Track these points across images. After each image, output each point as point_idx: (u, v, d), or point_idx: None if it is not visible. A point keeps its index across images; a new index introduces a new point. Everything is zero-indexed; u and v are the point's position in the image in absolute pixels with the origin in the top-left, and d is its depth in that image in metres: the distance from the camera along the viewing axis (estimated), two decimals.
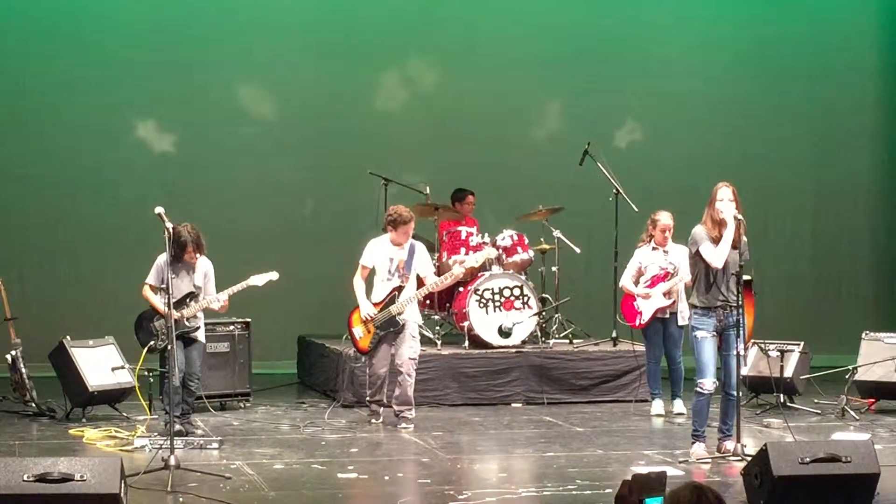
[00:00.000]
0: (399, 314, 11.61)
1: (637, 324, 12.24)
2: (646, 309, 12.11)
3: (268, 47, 15.73)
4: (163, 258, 10.82)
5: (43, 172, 15.22)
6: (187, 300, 10.86)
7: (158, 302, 10.85)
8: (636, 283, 12.20)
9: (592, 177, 13.90)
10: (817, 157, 16.88)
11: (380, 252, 11.76)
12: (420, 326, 13.42)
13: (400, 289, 11.68)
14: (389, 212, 11.82)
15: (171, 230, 9.95)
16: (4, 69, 15.16)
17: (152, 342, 10.89)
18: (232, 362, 12.64)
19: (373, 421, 11.81)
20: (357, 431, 11.38)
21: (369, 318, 11.66)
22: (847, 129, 16.92)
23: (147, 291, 10.99)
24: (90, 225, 15.24)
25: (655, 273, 12.12)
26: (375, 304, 11.71)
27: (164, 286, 10.59)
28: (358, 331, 11.83)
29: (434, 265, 12.88)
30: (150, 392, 12.13)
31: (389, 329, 11.65)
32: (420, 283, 11.93)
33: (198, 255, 10.93)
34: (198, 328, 11.03)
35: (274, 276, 11.16)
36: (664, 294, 12.04)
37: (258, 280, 11.11)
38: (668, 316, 12.08)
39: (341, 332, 13.29)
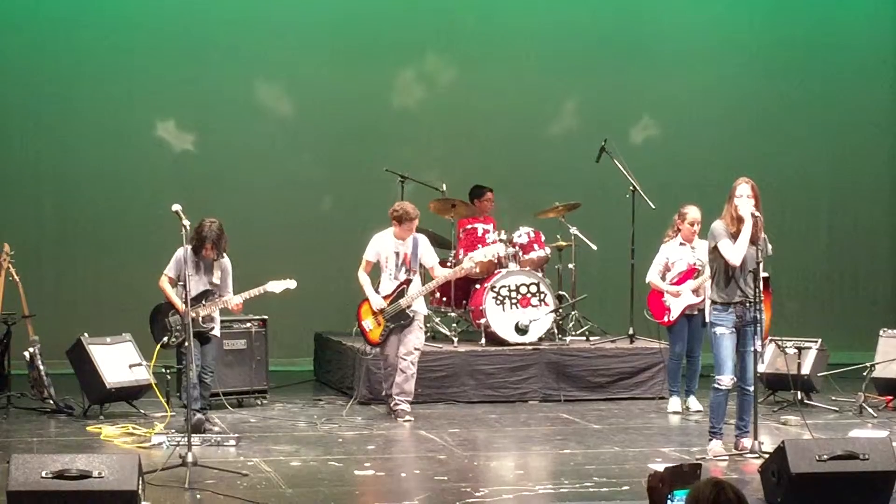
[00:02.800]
0: (409, 307, 11.73)
1: (666, 320, 12.18)
2: (675, 306, 12.06)
3: (286, 46, 15.75)
4: (182, 252, 10.85)
5: (62, 171, 15.28)
6: (203, 300, 10.88)
7: (175, 296, 10.88)
8: (662, 278, 12.14)
9: (609, 173, 13.89)
10: (833, 154, 16.84)
11: (384, 247, 11.88)
12: (436, 323, 13.49)
13: (408, 282, 11.82)
14: (395, 207, 11.93)
15: (187, 227, 9.97)
16: (25, 68, 15.18)
17: (165, 338, 10.90)
18: (249, 359, 12.66)
19: (400, 418, 11.79)
20: (374, 428, 11.38)
21: (380, 311, 11.72)
22: (863, 126, 16.87)
23: (164, 283, 11.00)
24: (109, 223, 15.27)
25: (683, 269, 12.07)
26: (385, 298, 11.84)
27: (181, 282, 10.67)
28: (368, 323, 11.93)
29: (451, 261, 12.94)
30: (168, 389, 12.18)
31: (400, 321, 11.77)
32: (427, 275, 11.99)
33: (215, 253, 10.93)
34: (213, 328, 11.05)
35: (292, 284, 11.17)
36: (693, 291, 11.99)
37: (276, 287, 11.12)
38: (696, 313, 12.04)
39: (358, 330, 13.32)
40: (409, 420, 11.64)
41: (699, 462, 5.94)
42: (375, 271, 12.00)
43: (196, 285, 10.79)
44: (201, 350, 10.90)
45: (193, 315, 10.56)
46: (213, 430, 10.90)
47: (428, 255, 11.99)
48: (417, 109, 16.30)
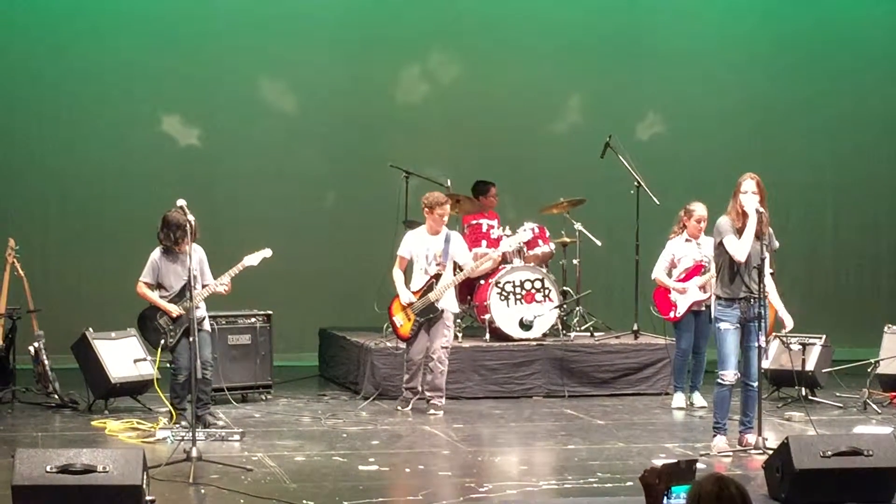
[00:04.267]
0: (437, 300, 11.84)
1: (672, 316, 12.17)
2: (681, 302, 12.04)
3: (290, 41, 15.77)
4: (157, 254, 10.83)
5: (68, 166, 15.30)
6: (185, 293, 10.76)
7: (158, 298, 10.82)
8: (668, 275, 12.13)
9: (614, 169, 13.87)
10: (838, 151, 16.83)
11: (416, 243, 12.05)
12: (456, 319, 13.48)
13: (438, 276, 11.93)
14: (425, 197, 12.15)
15: (192, 223, 9.94)
16: (31, 65, 15.21)
17: (162, 340, 10.79)
18: (253, 354, 12.65)
19: (401, 408, 11.94)
20: (378, 424, 11.39)
21: (409, 305, 11.82)
22: (868, 123, 16.86)
23: (144, 289, 10.85)
24: (114, 217, 15.28)
25: (689, 265, 12.07)
26: (414, 293, 11.97)
27: (160, 282, 10.76)
28: (398, 319, 12.08)
29: None
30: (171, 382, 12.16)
31: (429, 315, 11.91)
32: (459, 271, 12.07)
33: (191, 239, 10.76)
34: (204, 318, 10.99)
35: (267, 253, 10.96)
36: (700, 288, 11.98)
37: (252, 259, 10.89)
38: (703, 309, 12.02)
39: (363, 325, 13.32)
40: (438, 414, 11.73)
41: (695, 458, 5.94)
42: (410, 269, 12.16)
43: (177, 281, 10.75)
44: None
45: (184, 311, 10.57)
46: (218, 425, 10.89)
47: (461, 252, 12.12)
48: (422, 105, 16.31)
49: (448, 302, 11.99)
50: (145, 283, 10.88)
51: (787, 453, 8.18)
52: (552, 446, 10.53)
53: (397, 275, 12.08)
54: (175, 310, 10.71)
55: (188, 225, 10.06)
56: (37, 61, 15.22)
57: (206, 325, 11.05)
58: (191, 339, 9.69)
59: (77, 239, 15.30)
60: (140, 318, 11.04)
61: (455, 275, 12.02)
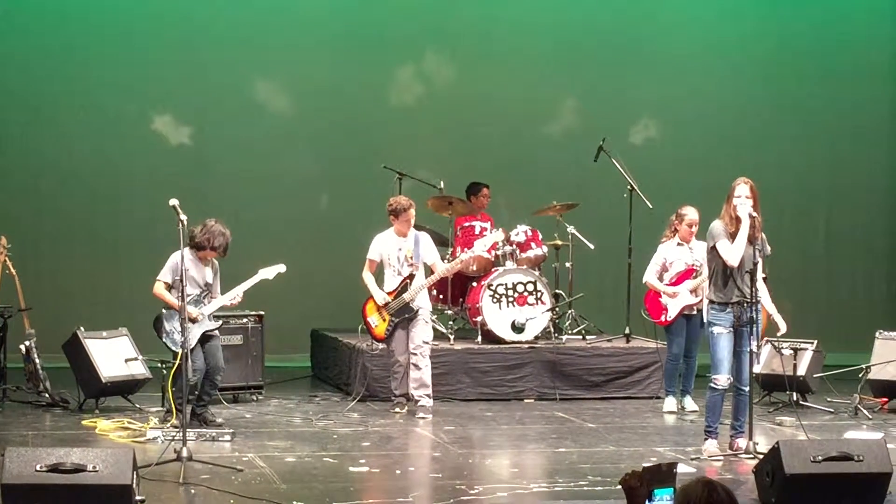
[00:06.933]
0: (412, 300, 11.84)
1: (663, 320, 12.18)
2: (672, 306, 12.05)
3: (284, 41, 15.76)
4: (178, 256, 10.81)
5: (59, 164, 15.28)
6: (203, 298, 10.88)
7: (175, 300, 10.81)
8: (660, 278, 12.13)
9: (607, 173, 13.89)
10: (832, 156, 16.86)
11: (386, 245, 12.02)
12: (433, 320, 13.48)
13: (411, 277, 11.95)
14: (389, 202, 12.14)
15: (184, 222, 9.94)
16: (24, 63, 15.19)
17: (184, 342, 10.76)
18: (245, 355, 12.65)
19: (397, 410, 11.93)
20: (369, 425, 11.38)
21: (384, 306, 11.81)
22: (862, 128, 16.89)
23: (161, 289, 10.84)
24: (106, 216, 15.28)
25: (680, 269, 12.07)
26: (389, 293, 11.95)
27: (181, 283, 10.66)
28: (373, 319, 12.06)
29: (447, 260, 12.93)
30: (163, 384, 12.14)
31: (404, 316, 11.90)
32: (429, 271, 12.10)
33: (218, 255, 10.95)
34: (220, 325, 11.14)
35: (282, 268, 11.18)
36: (691, 292, 11.99)
37: (268, 273, 11.12)
38: (694, 313, 12.03)
39: (355, 326, 13.29)
40: (427, 417, 11.67)
41: (675, 462, 5.94)
42: (380, 273, 12.13)
43: (195, 286, 10.78)
44: (210, 351, 10.90)
45: (202, 317, 10.73)
46: (216, 422, 10.91)
47: (429, 252, 12.10)
48: (416, 107, 16.31)
49: (423, 300, 12.01)
50: (164, 283, 10.87)
51: (777, 458, 8.19)
52: (543, 449, 10.53)
53: (368, 278, 12.04)
54: (195, 312, 10.71)
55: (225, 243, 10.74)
56: (29, 60, 15.20)
57: (218, 333, 11.17)
58: (192, 346, 9.69)
59: (69, 237, 15.28)
60: (157, 320, 11.02)
61: (427, 276, 12.07)
